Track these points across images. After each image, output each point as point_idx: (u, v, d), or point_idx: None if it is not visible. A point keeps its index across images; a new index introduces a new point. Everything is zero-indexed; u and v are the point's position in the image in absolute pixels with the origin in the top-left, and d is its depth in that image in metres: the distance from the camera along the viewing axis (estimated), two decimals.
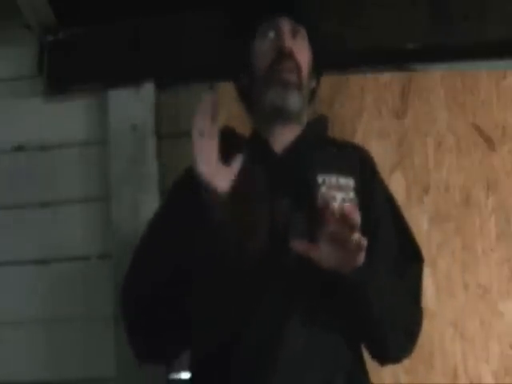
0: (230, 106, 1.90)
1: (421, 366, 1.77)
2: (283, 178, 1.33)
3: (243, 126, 1.49)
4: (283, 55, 1.36)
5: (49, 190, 2.02)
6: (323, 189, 1.32)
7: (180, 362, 1.44)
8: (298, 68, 1.38)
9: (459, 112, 1.91)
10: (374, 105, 1.94)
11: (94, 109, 2.04)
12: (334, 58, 1.92)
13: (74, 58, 2.04)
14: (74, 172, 2.03)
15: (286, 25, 1.39)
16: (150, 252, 1.32)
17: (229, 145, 1.45)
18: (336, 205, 1.17)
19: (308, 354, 1.23)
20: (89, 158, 2.03)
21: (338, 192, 1.32)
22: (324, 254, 1.18)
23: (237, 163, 1.19)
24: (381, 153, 1.84)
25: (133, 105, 1.99)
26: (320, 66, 1.49)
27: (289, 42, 1.38)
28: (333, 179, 1.34)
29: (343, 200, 1.32)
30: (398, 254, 1.35)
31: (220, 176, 1.18)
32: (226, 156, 1.41)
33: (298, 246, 1.18)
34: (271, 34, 1.40)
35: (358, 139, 1.86)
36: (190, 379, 1.33)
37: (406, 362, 1.73)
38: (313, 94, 1.49)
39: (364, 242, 1.14)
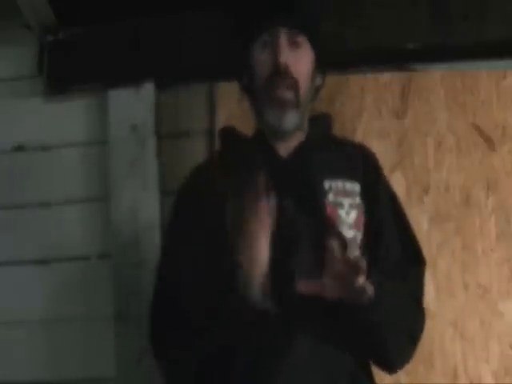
0: (230, 106, 1.90)
1: (421, 366, 1.77)
2: (289, 182, 1.31)
3: (243, 126, 1.48)
4: (279, 72, 1.33)
5: (49, 190, 2.02)
6: (330, 196, 1.31)
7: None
8: (295, 84, 1.34)
9: (459, 112, 1.91)
10: (374, 105, 1.94)
11: (94, 109, 2.04)
12: (334, 57, 1.92)
13: (73, 58, 2.04)
14: (73, 172, 2.03)
15: (283, 36, 1.35)
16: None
17: (230, 146, 1.45)
18: (339, 253, 1.16)
19: (312, 357, 1.23)
20: (89, 158, 2.03)
21: (345, 198, 1.32)
22: (328, 288, 1.17)
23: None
24: (381, 153, 1.82)
25: (133, 105, 1.99)
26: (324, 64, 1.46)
27: (285, 57, 1.33)
28: (339, 184, 1.33)
29: (350, 206, 1.31)
30: (400, 257, 1.35)
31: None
32: (227, 156, 1.41)
33: (303, 288, 1.18)
34: (268, 47, 1.36)
35: (358, 139, 1.86)
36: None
37: None
38: (317, 90, 1.46)
39: (369, 288, 1.14)
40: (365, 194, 1.35)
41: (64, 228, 2.00)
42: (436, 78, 1.93)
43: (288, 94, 1.33)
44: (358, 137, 1.89)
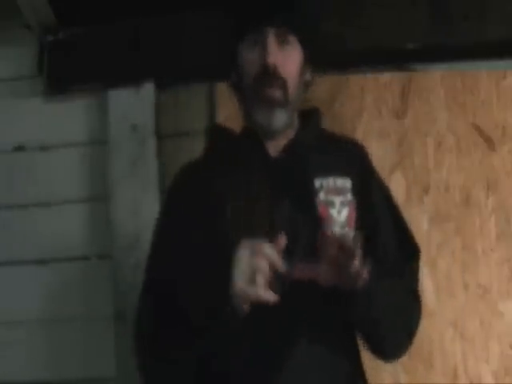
0: (230, 106, 1.90)
1: (421, 366, 1.77)
2: (280, 181, 1.32)
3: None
4: (267, 72, 1.32)
5: (49, 190, 2.02)
6: (321, 195, 1.31)
7: None
8: (283, 83, 1.33)
9: (459, 112, 1.91)
10: (374, 105, 1.94)
11: (94, 109, 2.04)
12: (333, 58, 1.93)
13: (74, 58, 2.04)
14: (73, 172, 2.03)
15: (271, 36, 1.34)
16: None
17: (221, 144, 1.45)
18: (337, 233, 1.16)
19: (311, 358, 1.23)
20: (89, 158, 2.03)
21: (336, 196, 1.31)
22: (323, 274, 1.17)
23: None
24: (381, 153, 1.84)
25: (133, 105, 1.99)
26: (316, 62, 1.45)
27: (273, 57, 1.33)
28: (330, 182, 1.32)
29: (341, 204, 1.31)
30: (396, 252, 1.35)
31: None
32: (218, 155, 1.41)
33: (298, 273, 1.18)
34: (257, 46, 1.35)
35: (358, 139, 1.86)
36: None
37: (406, 362, 1.73)
38: (307, 86, 1.45)
39: (364, 271, 1.14)
40: (357, 189, 1.34)
41: (64, 228, 2.00)
42: (436, 78, 1.93)
43: (277, 94, 1.33)
44: (358, 137, 1.89)
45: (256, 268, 1.11)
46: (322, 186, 1.32)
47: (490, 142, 1.89)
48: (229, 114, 1.90)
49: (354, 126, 1.92)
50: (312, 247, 1.21)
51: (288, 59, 1.36)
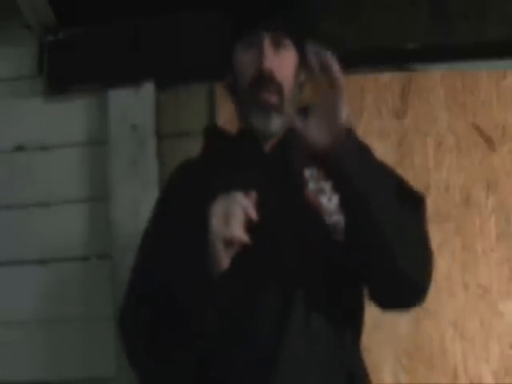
0: (230, 106, 1.90)
1: (421, 366, 1.77)
2: (272, 174, 1.33)
3: None
4: (263, 77, 1.33)
5: (49, 190, 2.02)
6: (311, 184, 1.32)
7: None
8: (279, 88, 1.34)
9: (459, 112, 1.91)
10: (374, 105, 1.94)
11: (94, 109, 2.04)
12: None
13: (74, 58, 2.04)
14: (73, 172, 2.03)
15: (267, 40, 1.34)
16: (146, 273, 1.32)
17: (217, 144, 1.46)
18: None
19: (309, 353, 1.23)
20: (89, 158, 2.03)
21: (326, 182, 1.31)
22: (311, 126, 1.17)
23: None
24: (381, 153, 1.83)
25: (133, 105, 1.99)
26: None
27: (269, 62, 1.33)
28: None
29: (332, 189, 1.31)
30: (400, 201, 1.28)
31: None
32: (214, 155, 1.41)
33: (295, 124, 1.19)
34: (252, 48, 1.35)
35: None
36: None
37: (406, 362, 1.74)
38: (301, 87, 1.45)
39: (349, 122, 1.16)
40: None
41: (64, 228, 2.00)
42: (436, 78, 1.93)
43: (273, 99, 1.33)
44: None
45: (230, 213, 1.15)
46: (312, 175, 1.33)
47: (490, 142, 1.89)
48: (229, 113, 1.90)
49: (354, 126, 1.92)
50: (301, 236, 1.24)
51: (283, 63, 1.36)
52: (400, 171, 1.88)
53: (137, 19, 2.01)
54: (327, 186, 1.32)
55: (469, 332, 1.79)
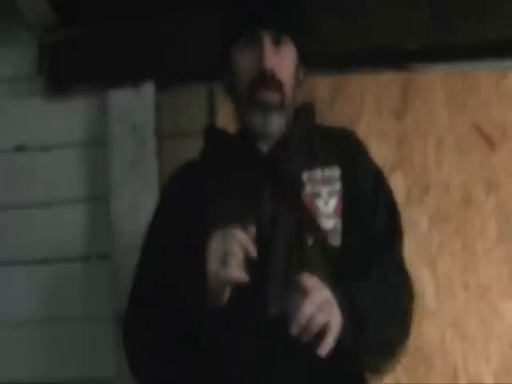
0: (230, 106, 1.90)
1: (421, 366, 1.77)
2: (269, 176, 1.33)
3: None
4: (264, 77, 1.32)
5: (49, 190, 2.03)
6: (308, 188, 1.32)
7: None
8: (280, 86, 1.33)
9: (459, 112, 1.91)
10: (374, 105, 1.94)
11: (94, 109, 2.05)
12: (333, 58, 1.93)
13: (74, 58, 2.04)
14: (74, 172, 2.03)
15: (267, 39, 1.33)
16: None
17: (216, 145, 1.46)
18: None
19: (305, 361, 1.22)
20: (89, 158, 2.04)
21: (324, 186, 1.32)
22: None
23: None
24: (381, 153, 1.84)
25: (133, 105, 1.99)
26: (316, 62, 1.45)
27: (270, 61, 1.32)
28: (318, 173, 1.33)
29: (329, 194, 1.32)
30: (383, 232, 1.33)
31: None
32: (213, 157, 1.41)
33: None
34: (251, 50, 1.35)
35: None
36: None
37: (406, 362, 1.73)
38: (300, 83, 1.44)
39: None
40: (345, 175, 1.34)
41: (64, 228, 2.00)
42: (436, 78, 1.93)
43: (274, 98, 1.33)
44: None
45: (228, 252, 1.13)
46: (309, 179, 1.33)
47: (490, 142, 1.89)
48: (229, 114, 1.90)
49: (354, 126, 1.92)
50: (295, 238, 1.24)
51: (283, 62, 1.36)
52: (400, 171, 1.90)
53: (137, 19, 2.00)
54: (325, 189, 1.32)
55: (469, 332, 1.79)
